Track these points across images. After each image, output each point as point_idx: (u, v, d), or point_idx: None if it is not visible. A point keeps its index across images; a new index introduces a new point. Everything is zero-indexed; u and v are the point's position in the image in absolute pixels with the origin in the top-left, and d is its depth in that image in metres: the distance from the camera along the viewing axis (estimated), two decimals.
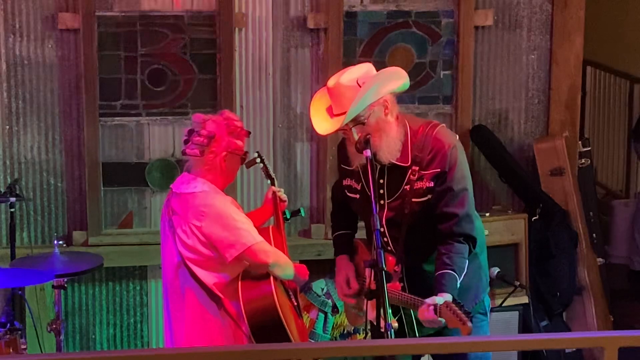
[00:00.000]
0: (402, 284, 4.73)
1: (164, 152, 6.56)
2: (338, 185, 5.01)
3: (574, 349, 6.54)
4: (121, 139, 6.52)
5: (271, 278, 4.89)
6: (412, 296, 4.63)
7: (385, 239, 4.74)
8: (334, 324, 6.44)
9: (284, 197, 5.35)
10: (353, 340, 6.37)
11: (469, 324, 4.35)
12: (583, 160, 6.90)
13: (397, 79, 4.69)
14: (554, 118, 6.83)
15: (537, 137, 6.84)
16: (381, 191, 4.71)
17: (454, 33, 6.67)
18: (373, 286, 4.45)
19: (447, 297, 4.49)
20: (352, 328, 6.45)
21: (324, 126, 4.70)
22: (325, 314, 6.42)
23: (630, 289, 7.35)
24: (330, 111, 4.70)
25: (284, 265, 4.94)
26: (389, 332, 4.35)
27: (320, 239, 6.64)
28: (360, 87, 4.59)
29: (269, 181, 5.43)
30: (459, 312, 4.38)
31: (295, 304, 5.16)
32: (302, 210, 5.62)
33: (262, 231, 5.05)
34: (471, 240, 4.66)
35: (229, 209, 4.90)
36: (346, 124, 4.62)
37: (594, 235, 6.89)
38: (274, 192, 5.32)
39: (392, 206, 4.70)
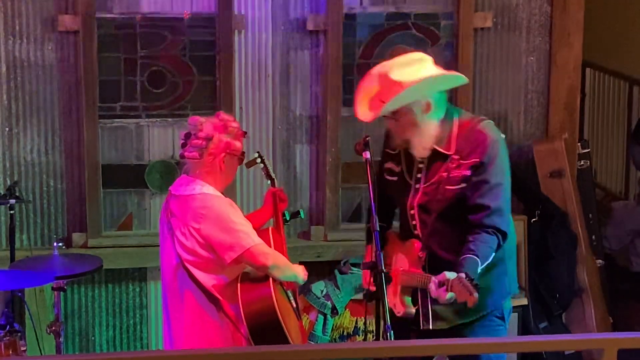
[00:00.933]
0: (424, 271, 4.74)
1: (163, 153, 6.57)
2: (379, 170, 5.02)
3: (574, 351, 6.54)
4: (121, 140, 6.52)
5: (270, 280, 4.90)
6: (426, 273, 4.66)
7: (414, 222, 4.80)
8: (333, 325, 6.44)
9: (285, 196, 5.35)
10: (352, 342, 6.37)
11: (475, 294, 4.37)
12: (582, 162, 6.91)
13: (446, 83, 4.79)
14: (553, 120, 6.84)
15: (536, 139, 6.84)
16: (419, 175, 4.77)
17: (453, 35, 6.67)
18: (373, 288, 4.47)
19: (461, 274, 4.50)
20: (352, 330, 6.45)
21: (363, 112, 4.76)
22: (325, 315, 6.42)
23: (629, 290, 7.35)
24: (373, 99, 4.73)
25: (283, 267, 4.94)
26: (388, 334, 4.36)
27: (320, 240, 6.64)
28: (403, 87, 4.63)
29: (269, 182, 5.43)
30: (467, 284, 4.40)
31: (295, 305, 5.17)
32: (301, 212, 5.63)
33: (262, 233, 5.06)
34: (501, 233, 4.67)
35: (227, 211, 4.90)
36: (384, 115, 4.69)
37: (593, 237, 6.89)
38: (273, 193, 5.32)
39: (427, 191, 4.76)
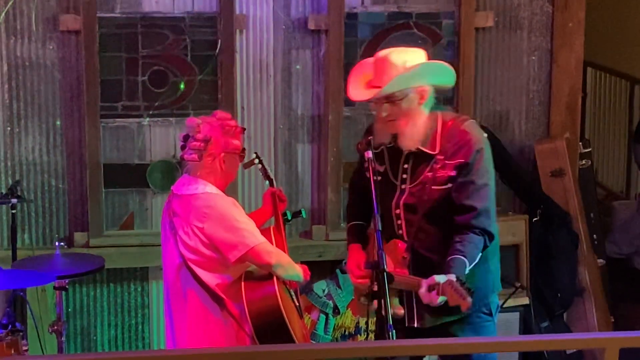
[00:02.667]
0: (409, 272, 4.74)
1: (165, 153, 6.57)
2: (358, 171, 5.02)
3: (575, 350, 6.55)
4: (122, 140, 6.53)
5: (274, 278, 4.90)
6: (415, 277, 4.65)
7: (399, 222, 4.79)
8: (335, 325, 6.44)
9: (284, 196, 5.35)
10: (354, 341, 6.38)
11: (469, 299, 4.37)
12: (584, 162, 6.91)
13: (444, 74, 4.75)
14: (554, 119, 6.84)
15: (537, 139, 6.84)
16: (404, 175, 4.76)
17: (454, 34, 6.67)
18: (375, 287, 4.47)
19: (451, 276, 4.51)
20: (354, 329, 6.45)
21: (357, 93, 4.74)
22: (327, 315, 6.42)
23: (630, 290, 7.35)
24: (369, 82, 4.73)
25: (287, 266, 4.95)
26: (390, 334, 4.36)
27: (321, 240, 6.64)
28: (403, 70, 4.62)
29: (267, 182, 5.43)
30: (459, 288, 4.40)
31: (297, 304, 5.17)
32: (303, 212, 5.63)
33: (263, 232, 5.06)
34: (487, 234, 4.69)
35: (231, 210, 4.91)
36: (379, 98, 4.65)
37: (595, 236, 6.89)
38: (272, 193, 5.32)
39: (413, 191, 4.75)
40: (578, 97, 6.89)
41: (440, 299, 4.48)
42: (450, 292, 4.43)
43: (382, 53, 4.73)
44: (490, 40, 6.75)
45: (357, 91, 4.75)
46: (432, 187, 4.71)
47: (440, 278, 4.49)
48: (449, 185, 4.69)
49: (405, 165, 4.76)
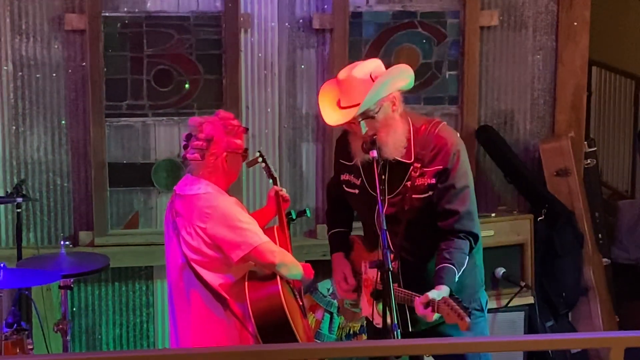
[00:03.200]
0: (398, 282, 4.73)
1: (169, 152, 6.57)
2: (334, 181, 5.00)
3: (580, 350, 6.54)
4: (127, 139, 6.53)
5: (278, 278, 4.90)
6: (408, 291, 4.64)
7: None
8: (339, 324, 6.44)
9: (287, 196, 5.35)
10: (359, 340, 6.38)
11: (467, 319, 4.36)
12: (589, 161, 6.90)
13: (406, 76, 4.72)
14: (559, 118, 6.83)
15: (542, 138, 6.83)
16: (382, 187, 4.71)
17: (459, 33, 6.67)
18: (379, 287, 4.46)
19: (443, 291, 4.50)
20: (358, 328, 6.45)
21: (334, 117, 4.69)
22: (331, 314, 6.42)
23: (636, 289, 7.34)
24: (339, 104, 4.71)
25: (290, 265, 4.95)
26: (395, 333, 4.36)
27: (326, 239, 6.62)
28: (373, 81, 4.61)
29: (270, 180, 5.43)
30: (456, 307, 4.39)
31: (301, 303, 5.17)
32: (307, 211, 5.63)
33: (267, 232, 5.06)
34: (472, 236, 4.68)
35: (233, 209, 4.91)
36: (356, 117, 4.62)
37: (600, 235, 6.88)
38: (276, 192, 5.32)
39: (393, 202, 4.71)
40: (583, 96, 6.88)
41: (436, 317, 4.47)
42: (447, 310, 4.42)
43: (343, 73, 4.67)
44: (495, 39, 6.75)
45: (333, 115, 4.69)
46: (413, 195, 4.67)
47: (434, 295, 4.47)
48: (430, 193, 4.66)
49: (383, 177, 4.71)
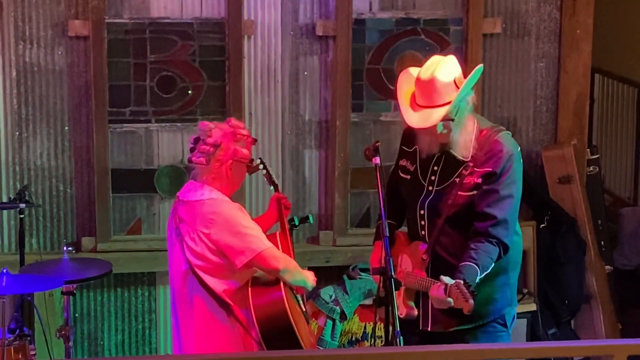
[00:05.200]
0: (427, 274, 4.76)
1: (172, 158, 6.58)
2: (394, 170, 5.05)
3: (582, 357, 6.54)
4: (130, 145, 6.54)
5: (281, 284, 4.90)
6: (427, 278, 4.69)
7: (422, 223, 4.81)
8: (342, 331, 6.44)
9: (289, 203, 5.35)
10: (361, 347, 6.37)
11: (471, 301, 4.39)
12: (591, 168, 6.90)
13: (477, 75, 4.77)
14: (562, 126, 6.83)
15: (545, 145, 6.84)
16: (432, 177, 4.78)
17: (462, 41, 6.67)
18: (382, 293, 4.48)
19: (458, 279, 4.53)
20: (361, 335, 6.45)
21: (415, 119, 4.72)
22: (334, 320, 6.42)
23: (638, 296, 7.34)
24: (413, 100, 4.74)
25: (294, 271, 4.95)
26: (397, 340, 4.36)
27: (329, 245, 6.64)
28: (457, 86, 4.66)
29: (272, 187, 5.43)
30: (464, 290, 4.42)
31: (304, 310, 5.17)
32: (310, 217, 5.63)
33: (269, 237, 5.06)
34: (503, 245, 4.69)
35: (237, 215, 4.91)
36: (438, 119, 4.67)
37: (602, 242, 6.88)
38: (277, 199, 5.32)
39: (439, 193, 4.78)
40: (586, 104, 6.88)
41: (448, 300, 4.49)
42: (456, 293, 4.46)
43: (425, 73, 4.69)
44: (498, 47, 6.75)
45: (414, 117, 4.71)
46: (458, 192, 4.73)
47: (447, 279, 4.52)
48: (475, 192, 4.71)
49: (435, 167, 4.79)
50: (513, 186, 4.73)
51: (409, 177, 4.89)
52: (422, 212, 4.80)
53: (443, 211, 4.75)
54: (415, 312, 4.80)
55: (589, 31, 6.76)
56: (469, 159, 4.74)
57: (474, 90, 4.79)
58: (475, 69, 4.77)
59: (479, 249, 4.65)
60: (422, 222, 4.82)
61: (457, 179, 4.74)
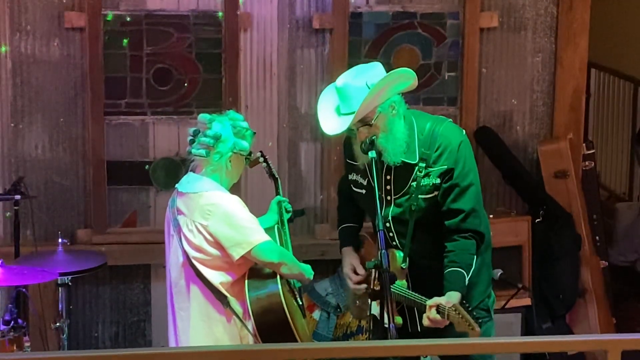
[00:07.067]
0: (408, 282, 4.74)
1: (168, 151, 6.57)
2: (344, 179, 5.03)
3: (577, 352, 6.54)
4: (126, 137, 6.53)
5: (278, 277, 4.90)
6: (418, 296, 4.65)
7: (391, 234, 4.77)
8: (336, 324, 6.44)
9: (289, 207, 5.34)
10: (356, 340, 6.38)
11: (478, 328, 4.38)
12: (587, 163, 6.90)
13: (406, 80, 4.72)
14: (558, 120, 6.83)
15: (541, 139, 6.84)
16: (387, 187, 4.74)
17: (459, 35, 6.67)
18: (377, 287, 4.47)
19: (453, 297, 4.50)
20: (356, 329, 6.45)
21: (331, 125, 4.72)
22: (329, 314, 6.42)
23: (633, 291, 7.36)
24: (338, 110, 4.72)
25: (291, 265, 4.95)
26: (391, 333, 4.36)
27: (324, 238, 6.64)
28: (369, 89, 4.60)
29: (272, 180, 5.42)
30: (467, 316, 4.40)
31: (300, 303, 5.17)
32: (303, 210, 5.62)
33: (267, 231, 5.05)
34: (478, 235, 4.68)
35: (235, 207, 4.90)
36: (353, 125, 4.63)
37: (597, 237, 6.89)
38: (279, 203, 5.31)
39: (399, 202, 4.73)
40: (582, 98, 6.88)
41: (447, 323, 4.49)
42: (457, 319, 4.45)
43: (341, 81, 4.70)
44: (495, 41, 6.75)
45: (330, 123, 4.71)
46: (419, 196, 4.69)
47: (443, 300, 4.49)
48: (435, 193, 4.68)
49: (388, 177, 4.73)
50: (471, 174, 4.70)
51: (363, 191, 4.82)
52: (387, 224, 4.75)
53: (409, 218, 4.71)
54: (401, 322, 4.76)
55: (585, 26, 6.76)
56: (417, 160, 4.68)
57: (400, 94, 4.70)
58: (396, 72, 4.68)
59: (456, 249, 4.63)
60: (391, 234, 4.77)
61: (414, 183, 4.69)
